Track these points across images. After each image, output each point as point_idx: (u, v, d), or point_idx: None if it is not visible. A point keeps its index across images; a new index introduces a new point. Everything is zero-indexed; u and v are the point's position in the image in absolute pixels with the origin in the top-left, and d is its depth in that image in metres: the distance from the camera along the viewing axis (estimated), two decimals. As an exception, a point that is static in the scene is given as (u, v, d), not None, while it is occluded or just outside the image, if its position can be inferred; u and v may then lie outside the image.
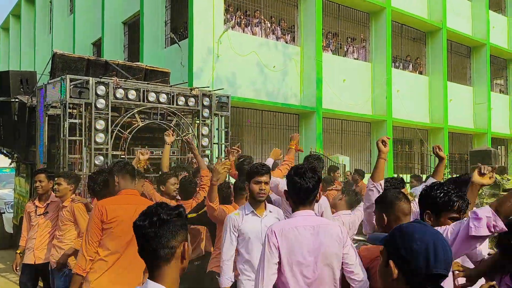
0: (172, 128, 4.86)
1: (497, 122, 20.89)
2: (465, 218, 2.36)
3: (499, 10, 22.43)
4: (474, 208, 2.34)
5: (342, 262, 2.53)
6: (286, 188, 2.81)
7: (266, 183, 3.43)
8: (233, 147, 5.44)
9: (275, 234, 2.52)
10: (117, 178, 3.59)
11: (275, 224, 2.69)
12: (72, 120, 6.58)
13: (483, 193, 6.09)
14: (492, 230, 2.24)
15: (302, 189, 2.57)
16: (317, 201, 3.39)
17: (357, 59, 16.82)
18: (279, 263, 2.51)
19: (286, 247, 2.50)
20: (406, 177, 11.84)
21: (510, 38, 22.33)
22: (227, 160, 4.85)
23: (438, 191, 2.53)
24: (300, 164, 2.86)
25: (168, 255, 1.67)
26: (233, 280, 3.52)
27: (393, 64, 17.21)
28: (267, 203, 3.59)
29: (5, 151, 9.33)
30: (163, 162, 5.87)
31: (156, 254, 1.66)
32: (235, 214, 3.51)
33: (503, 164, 18.85)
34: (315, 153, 13.22)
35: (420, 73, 18.95)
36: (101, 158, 6.68)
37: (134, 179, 3.73)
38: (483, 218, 2.23)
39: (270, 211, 3.54)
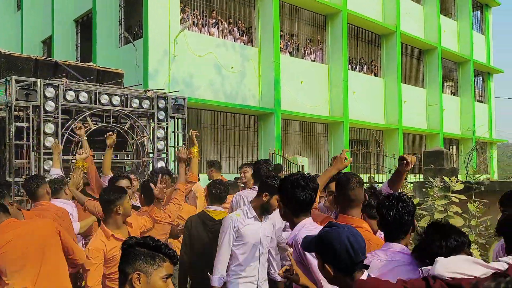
0: (114, 130, 4.62)
1: (448, 123, 21.63)
2: None
3: (449, 15, 23.25)
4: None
5: None
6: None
7: None
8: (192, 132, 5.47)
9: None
10: None
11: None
12: (18, 124, 6.27)
13: (434, 195, 6.22)
14: None
15: (300, 202, 2.63)
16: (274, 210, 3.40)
17: (314, 61, 16.98)
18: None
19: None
20: (364, 177, 12.01)
21: (460, 41, 23.19)
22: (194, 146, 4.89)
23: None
24: (293, 174, 2.78)
25: (123, 280, 1.92)
26: (225, 280, 3.53)
27: (349, 66, 17.48)
28: None
29: None
30: (104, 165, 5.52)
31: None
32: (237, 215, 3.52)
33: (454, 165, 19.52)
34: (274, 154, 13.24)
35: (376, 75, 19.36)
36: (51, 162, 6.40)
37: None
38: None
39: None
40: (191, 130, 5.45)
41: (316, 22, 17.08)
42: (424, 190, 6.46)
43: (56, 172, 5.16)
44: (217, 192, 4.26)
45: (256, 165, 4.89)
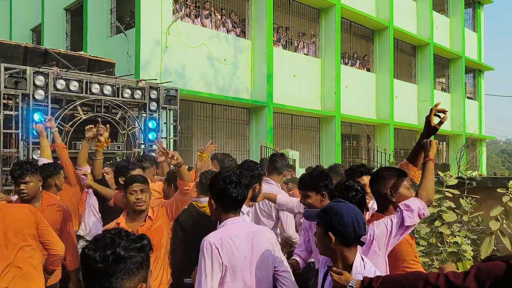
0: (106, 126, 4.35)
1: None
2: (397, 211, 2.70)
3: (442, 11, 23.29)
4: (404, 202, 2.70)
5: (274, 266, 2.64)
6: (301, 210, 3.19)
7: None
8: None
9: (216, 246, 2.47)
10: None
11: (211, 235, 2.55)
12: (7, 112, 6.17)
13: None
14: (421, 217, 2.69)
15: (233, 199, 2.58)
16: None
17: (307, 54, 16.91)
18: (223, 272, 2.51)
19: (227, 260, 2.47)
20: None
21: (452, 38, 23.26)
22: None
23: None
24: (226, 170, 2.74)
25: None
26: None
27: (342, 60, 17.45)
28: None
29: None
30: (80, 157, 4.78)
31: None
32: None
33: (444, 160, 19.65)
34: (266, 147, 13.19)
35: (368, 70, 19.35)
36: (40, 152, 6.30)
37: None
38: (415, 209, 2.64)
39: (243, 213, 3.41)
40: (211, 142, 5.21)
41: (309, 16, 17.00)
42: (417, 185, 6.45)
43: (44, 161, 4.94)
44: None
45: (273, 157, 4.88)
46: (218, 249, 2.44)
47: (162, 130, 7.96)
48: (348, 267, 2.20)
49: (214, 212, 2.64)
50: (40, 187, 3.84)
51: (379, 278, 2.06)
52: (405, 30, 19.80)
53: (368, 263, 2.29)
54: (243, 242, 2.51)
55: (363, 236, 2.23)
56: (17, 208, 3.35)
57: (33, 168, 3.67)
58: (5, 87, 6.06)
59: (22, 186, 3.58)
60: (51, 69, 6.52)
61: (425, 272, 2.08)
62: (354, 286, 2.09)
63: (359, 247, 2.30)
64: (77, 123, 6.69)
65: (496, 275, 1.77)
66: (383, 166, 13.66)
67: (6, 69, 6.08)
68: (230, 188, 2.55)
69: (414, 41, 20.95)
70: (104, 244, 1.38)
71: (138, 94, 7.39)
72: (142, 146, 7.65)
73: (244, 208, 3.23)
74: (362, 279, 2.10)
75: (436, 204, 5.88)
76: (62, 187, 4.58)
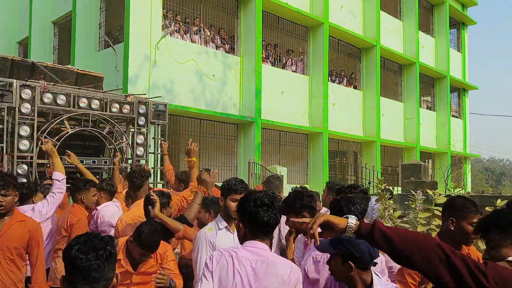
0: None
1: (425, 137, 21.95)
2: None
3: (427, 31, 23.72)
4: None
5: None
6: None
7: None
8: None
9: (212, 258, 2.28)
10: None
11: (220, 249, 2.43)
12: (-8, 125, 6.04)
13: (416, 208, 6.22)
14: None
15: (264, 223, 2.31)
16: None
17: (296, 71, 17.03)
18: None
19: (218, 276, 2.24)
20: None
21: (437, 58, 23.66)
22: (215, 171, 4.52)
23: None
24: (260, 191, 2.45)
25: (106, 286, 1.72)
26: None
27: (329, 78, 17.59)
28: None
29: None
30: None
31: (93, 285, 1.68)
32: (209, 229, 3.18)
33: (431, 178, 19.79)
34: (254, 163, 13.15)
35: (355, 87, 19.54)
36: (25, 166, 6.19)
37: None
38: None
39: None
40: (191, 141, 5.16)
41: (298, 33, 17.16)
42: (406, 203, 6.44)
43: (60, 177, 4.68)
44: None
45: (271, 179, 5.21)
46: (213, 261, 2.27)
47: (150, 145, 7.88)
48: (368, 287, 2.31)
49: (242, 237, 2.37)
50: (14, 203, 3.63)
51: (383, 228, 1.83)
52: (391, 49, 20.09)
53: (382, 277, 2.40)
54: (244, 268, 2.24)
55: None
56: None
57: (15, 181, 3.58)
58: (-9, 100, 5.95)
59: (1, 198, 3.42)
60: (38, 83, 6.44)
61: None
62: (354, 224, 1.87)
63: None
64: (64, 137, 6.58)
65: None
66: (371, 183, 13.70)
67: (-8, 81, 5.98)
68: (261, 211, 2.30)
69: (401, 60, 21.25)
70: (93, 245, 1.70)
71: (126, 108, 7.31)
72: (130, 161, 7.56)
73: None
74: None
75: (425, 222, 5.88)
76: (91, 206, 4.59)
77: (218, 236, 3.12)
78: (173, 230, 3.81)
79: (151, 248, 3.24)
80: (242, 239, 2.37)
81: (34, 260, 3.62)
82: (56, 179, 4.56)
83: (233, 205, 3.03)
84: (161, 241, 3.35)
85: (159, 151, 8.21)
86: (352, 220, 1.86)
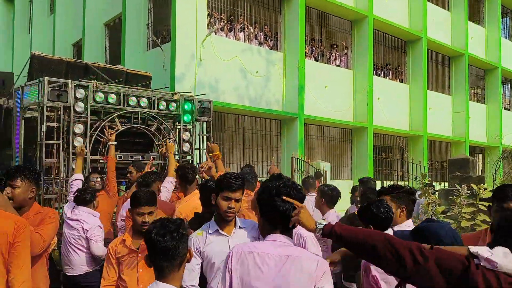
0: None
1: (474, 131, 21.25)
2: None
3: (477, 21, 22.88)
4: None
5: None
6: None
7: (237, 200, 2.78)
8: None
9: (231, 255, 2.17)
10: None
11: (239, 244, 2.29)
12: (49, 124, 6.47)
13: (460, 203, 6.15)
14: None
15: (281, 213, 2.18)
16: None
17: (339, 66, 16.93)
18: None
19: (239, 274, 2.12)
20: (387, 183, 11.87)
21: (488, 48, 22.79)
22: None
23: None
24: (274, 179, 2.30)
25: (181, 261, 2.06)
26: None
27: (374, 71, 17.38)
28: (236, 217, 2.91)
29: (-20, 154, 9.09)
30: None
31: (172, 261, 2.02)
32: (198, 233, 2.82)
33: (480, 173, 19.15)
34: (297, 159, 13.24)
35: (401, 81, 19.18)
36: (79, 162, 6.56)
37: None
38: None
39: (241, 227, 2.86)
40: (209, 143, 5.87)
41: (342, 28, 17.05)
42: (450, 197, 6.39)
43: (78, 177, 5.24)
44: None
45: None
46: (232, 258, 2.15)
47: (195, 142, 8.16)
48: None
49: (261, 230, 2.27)
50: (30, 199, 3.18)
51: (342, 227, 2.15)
52: (439, 40, 19.55)
53: None
54: (267, 264, 2.10)
55: None
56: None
57: (29, 174, 3.12)
58: (48, 99, 6.38)
59: (8, 189, 3.03)
60: (91, 83, 6.83)
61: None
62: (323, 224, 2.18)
63: None
64: (115, 134, 6.94)
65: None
66: (417, 178, 13.49)
67: (49, 82, 6.41)
68: (278, 201, 2.17)
69: (448, 51, 20.64)
70: (169, 229, 2.03)
71: (173, 106, 7.62)
72: (177, 157, 7.86)
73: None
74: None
75: (470, 217, 5.82)
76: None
77: (208, 241, 2.77)
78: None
79: (139, 200, 3.37)
80: (262, 232, 2.28)
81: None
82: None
83: (224, 204, 2.74)
84: None
85: (204, 147, 8.48)
86: (321, 224, 2.16)
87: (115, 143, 5.98)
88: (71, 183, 5.18)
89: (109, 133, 6.07)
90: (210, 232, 2.78)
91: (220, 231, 2.78)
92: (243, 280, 2.11)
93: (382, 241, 1.95)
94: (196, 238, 2.78)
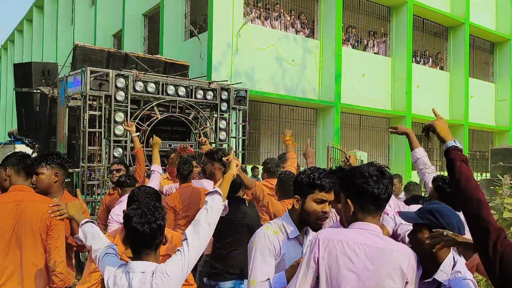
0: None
1: (519, 120, 20.49)
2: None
3: (524, 5, 21.90)
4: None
5: None
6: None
7: (330, 203, 2.33)
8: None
9: (318, 242, 1.99)
10: (10, 171, 2.92)
11: (325, 230, 2.13)
12: (92, 112, 6.67)
13: (503, 193, 6.00)
14: None
15: (374, 196, 2.03)
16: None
17: (377, 53, 16.63)
18: (317, 281, 1.98)
19: (327, 263, 1.96)
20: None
21: (535, 33, 21.81)
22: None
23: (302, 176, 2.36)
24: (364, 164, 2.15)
25: (158, 245, 2.22)
26: None
27: (413, 59, 16.98)
28: None
29: (27, 141, 9.53)
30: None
31: (149, 246, 2.17)
32: (274, 232, 2.33)
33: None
34: (333, 148, 13.17)
35: (441, 68, 18.67)
36: (120, 150, 6.77)
37: (30, 176, 3.00)
38: None
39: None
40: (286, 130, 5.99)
41: (380, 14, 16.71)
42: (492, 188, 6.24)
43: (156, 168, 4.93)
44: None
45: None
46: (319, 245, 1.98)
47: (231, 130, 8.24)
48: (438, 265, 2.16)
49: (351, 217, 2.07)
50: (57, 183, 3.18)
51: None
52: (482, 26, 18.87)
53: (459, 260, 2.21)
54: (356, 255, 1.94)
55: None
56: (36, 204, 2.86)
57: (52, 159, 3.12)
58: (91, 89, 6.58)
59: (35, 177, 3.05)
60: (131, 72, 6.99)
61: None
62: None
63: None
64: (154, 122, 7.11)
65: None
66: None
67: (91, 72, 6.61)
68: (371, 182, 2.02)
69: (493, 37, 19.90)
70: (148, 218, 2.16)
71: (210, 95, 7.72)
72: (213, 145, 7.98)
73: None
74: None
75: None
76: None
77: (288, 247, 2.32)
78: (248, 187, 3.87)
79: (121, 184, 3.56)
80: (349, 219, 2.10)
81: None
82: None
83: (317, 207, 2.28)
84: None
85: (240, 135, 8.56)
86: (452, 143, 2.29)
87: (138, 134, 5.67)
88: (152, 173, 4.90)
89: (128, 125, 5.59)
90: (290, 237, 2.33)
91: (299, 238, 2.37)
92: (331, 270, 1.95)
93: (485, 203, 1.98)
94: (274, 238, 2.31)
